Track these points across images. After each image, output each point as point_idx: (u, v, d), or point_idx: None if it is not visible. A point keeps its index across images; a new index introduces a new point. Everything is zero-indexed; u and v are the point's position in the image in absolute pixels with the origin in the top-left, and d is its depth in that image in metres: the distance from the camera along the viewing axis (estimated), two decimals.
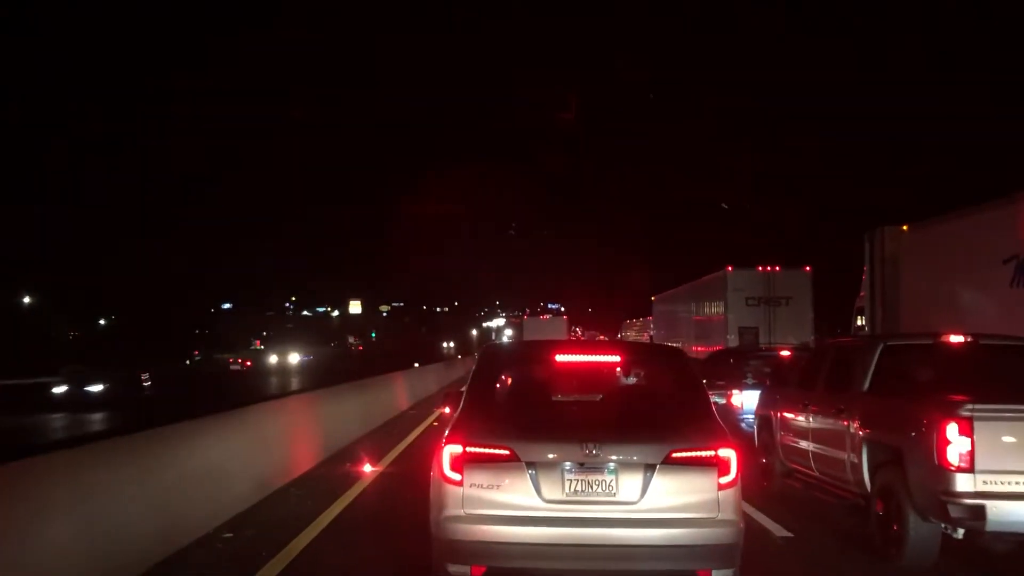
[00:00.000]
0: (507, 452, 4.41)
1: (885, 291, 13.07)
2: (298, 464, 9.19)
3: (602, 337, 63.36)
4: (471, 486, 4.40)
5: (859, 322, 16.00)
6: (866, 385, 6.57)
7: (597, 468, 4.39)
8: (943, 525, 5.42)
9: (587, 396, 5.78)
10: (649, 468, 4.37)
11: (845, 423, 6.55)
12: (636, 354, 5.79)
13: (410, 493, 6.91)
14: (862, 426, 6.29)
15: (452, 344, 77.50)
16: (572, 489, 4.39)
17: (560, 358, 5.33)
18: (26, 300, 57.58)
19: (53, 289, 58.45)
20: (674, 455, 4.40)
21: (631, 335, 56.42)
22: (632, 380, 5.82)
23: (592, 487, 4.39)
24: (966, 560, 5.78)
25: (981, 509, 5.04)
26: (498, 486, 4.39)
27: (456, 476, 4.44)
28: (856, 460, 6.34)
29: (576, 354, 5.51)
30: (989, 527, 5.08)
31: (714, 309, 23.59)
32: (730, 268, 21.92)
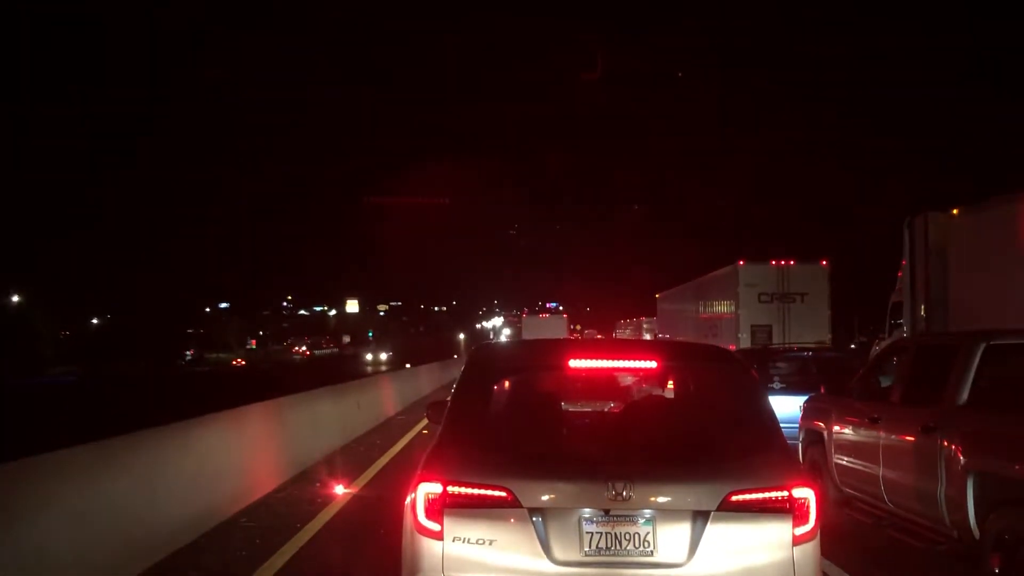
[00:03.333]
0: (504, 493, 3.31)
1: (929, 286, 11.41)
2: (256, 486, 7.72)
3: (599, 336, 62.07)
4: (454, 540, 3.30)
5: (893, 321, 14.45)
6: (964, 396, 5.12)
7: (629, 517, 3.30)
8: None
9: (609, 410, 4.62)
10: (700, 516, 3.29)
11: (937, 444, 5.09)
12: (676, 357, 4.37)
13: (389, 527, 5.60)
14: (965, 450, 4.83)
15: (385, 355, 57.85)
16: (594, 546, 3.29)
17: (575, 363, 3.98)
18: (15, 299, 56.35)
19: (45, 288, 57.18)
20: (734, 498, 3.30)
21: (626, 335, 55.06)
22: (669, 391, 4.53)
23: (621, 543, 3.29)
24: None
25: None
26: (491, 541, 3.29)
27: (434, 526, 3.33)
28: (955, 494, 4.88)
29: (596, 358, 4.06)
30: None
31: (724, 306, 22.19)
32: (741, 262, 20.44)
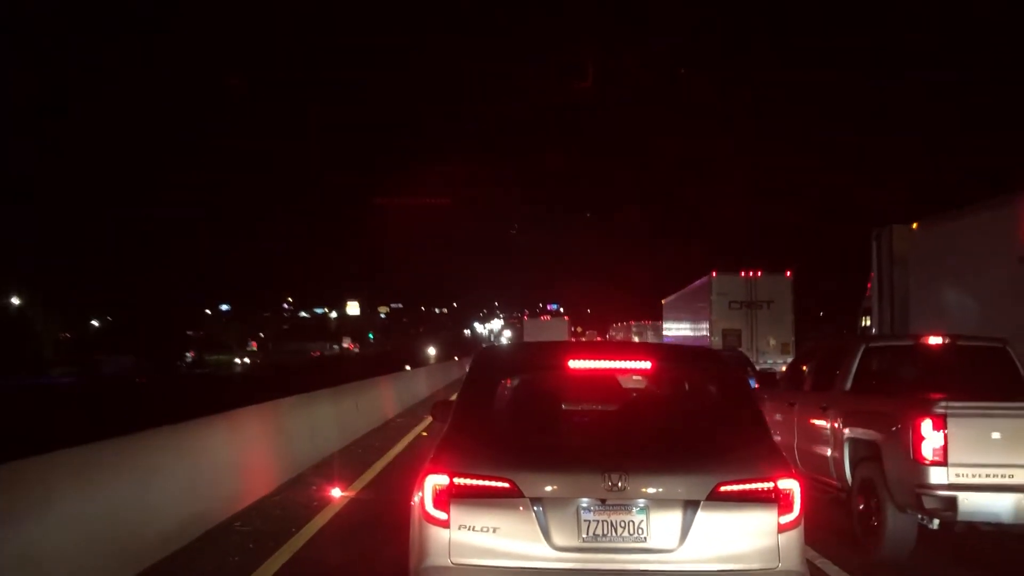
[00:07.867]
0: (506, 484, 3.55)
1: (894, 292, 12.62)
2: (251, 489, 7.66)
3: (598, 338, 63.33)
4: (460, 528, 3.55)
5: (865, 323, 15.59)
6: (848, 384, 6.86)
7: (623, 506, 3.54)
8: (919, 516, 5.70)
9: (606, 409, 4.96)
10: (690, 506, 3.54)
11: (828, 421, 6.83)
12: (670, 359, 4.63)
13: (386, 530, 6.05)
14: (844, 424, 6.57)
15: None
16: (591, 533, 3.54)
17: (575, 364, 4.21)
18: (15, 301, 56.85)
19: (45, 289, 57.79)
20: (722, 488, 3.56)
21: (618, 338, 57.03)
22: (663, 390, 4.93)
23: (617, 530, 3.55)
24: (953, 554, 6.05)
25: (953, 500, 5.35)
26: (495, 529, 3.54)
27: (441, 515, 3.57)
28: (838, 456, 6.62)
29: (594, 359, 4.28)
30: (961, 517, 5.38)
31: (702, 312, 24.29)
32: (714, 273, 22.76)
